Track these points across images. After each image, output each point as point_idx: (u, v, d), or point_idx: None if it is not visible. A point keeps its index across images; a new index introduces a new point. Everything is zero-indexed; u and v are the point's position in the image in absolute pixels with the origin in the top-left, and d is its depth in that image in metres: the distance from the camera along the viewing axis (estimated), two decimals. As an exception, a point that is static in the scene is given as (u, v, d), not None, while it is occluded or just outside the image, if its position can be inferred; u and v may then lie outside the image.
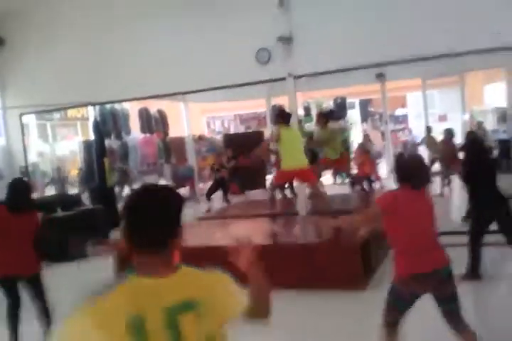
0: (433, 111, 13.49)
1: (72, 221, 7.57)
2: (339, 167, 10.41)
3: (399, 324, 3.52)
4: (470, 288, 5.40)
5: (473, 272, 5.62)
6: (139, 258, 1.61)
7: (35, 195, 4.98)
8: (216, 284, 1.70)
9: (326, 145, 9.26)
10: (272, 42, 7.81)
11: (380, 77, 11.72)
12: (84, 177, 10.67)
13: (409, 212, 3.33)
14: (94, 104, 9.82)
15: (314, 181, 7.48)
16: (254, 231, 6.96)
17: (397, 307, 3.50)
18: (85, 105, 10.12)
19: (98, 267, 7.47)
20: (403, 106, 15.46)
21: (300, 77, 7.87)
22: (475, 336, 3.42)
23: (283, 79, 7.90)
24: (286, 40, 7.79)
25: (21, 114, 9.65)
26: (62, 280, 6.92)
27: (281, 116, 7.23)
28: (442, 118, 13.45)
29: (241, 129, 18.51)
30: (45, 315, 4.68)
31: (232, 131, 18.05)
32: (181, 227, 1.66)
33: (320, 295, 5.42)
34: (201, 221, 8.40)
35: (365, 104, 15.07)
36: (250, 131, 16.92)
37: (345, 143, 11.76)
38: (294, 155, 7.02)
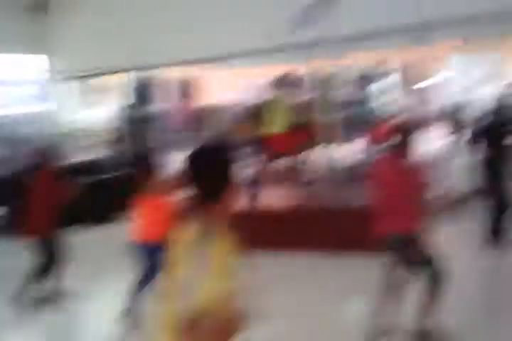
0: (471, 76, 13.24)
1: (113, 184, 7.76)
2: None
3: (396, 285, 3.74)
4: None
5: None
6: None
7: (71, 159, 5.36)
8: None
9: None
10: (312, 3, 7.66)
11: (418, 40, 11.43)
12: (121, 142, 10.81)
13: (382, 179, 3.69)
14: (133, 70, 9.87)
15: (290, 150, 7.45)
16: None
17: (385, 261, 3.77)
18: (125, 71, 10.18)
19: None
20: (440, 70, 15.05)
21: (338, 40, 7.73)
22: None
23: (322, 41, 7.78)
24: (327, 2, 7.63)
25: (67, 78, 9.79)
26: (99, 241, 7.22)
27: (274, 82, 7.32)
28: (480, 83, 13.10)
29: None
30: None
31: (264, 97, 17.91)
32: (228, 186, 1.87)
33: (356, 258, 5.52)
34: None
35: (399, 70, 14.76)
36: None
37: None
38: (271, 121, 7.18)
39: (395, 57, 13.98)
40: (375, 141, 9.83)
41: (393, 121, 4.01)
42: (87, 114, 12.65)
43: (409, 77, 14.61)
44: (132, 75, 10.92)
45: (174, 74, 12.33)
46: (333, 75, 8.97)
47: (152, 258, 4.14)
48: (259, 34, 8.09)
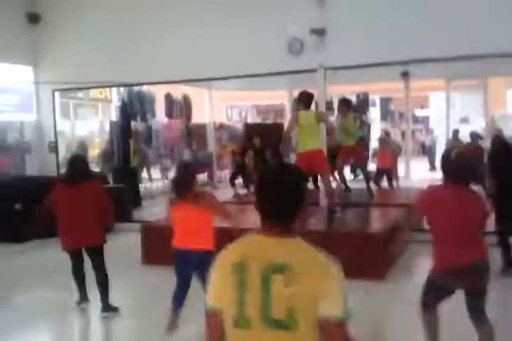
0: (454, 113, 13.51)
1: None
2: (356, 156, 9.43)
3: (435, 307, 3.60)
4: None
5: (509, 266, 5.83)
6: (262, 222, 1.83)
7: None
8: (323, 273, 1.71)
9: (345, 133, 8.75)
10: (305, 33, 7.89)
11: (405, 75, 11.78)
12: (109, 157, 10.82)
13: (446, 208, 3.41)
14: (125, 85, 9.93)
15: (326, 170, 7.22)
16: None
17: (432, 295, 3.60)
18: (116, 85, 10.23)
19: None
20: (424, 106, 15.46)
21: (331, 69, 7.95)
22: (490, 333, 3.50)
23: (313, 70, 8.00)
24: (320, 32, 7.88)
25: (53, 90, 9.80)
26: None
27: (300, 99, 7.07)
28: (463, 120, 13.46)
29: (257, 120, 18.59)
30: (101, 285, 5.03)
31: (248, 120, 18.13)
32: (302, 206, 1.83)
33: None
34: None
35: (385, 102, 15.11)
36: (269, 122, 16.99)
37: (364, 139, 11.74)
38: (306, 139, 6.90)
39: (378, 90, 14.37)
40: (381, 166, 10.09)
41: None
42: (70, 126, 12.72)
43: (392, 110, 15.02)
44: (120, 90, 11.01)
45: (164, 91, 12.48)
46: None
47: (193, 266, 4.13)
48: (249, 60, 8.28)
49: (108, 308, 5.04)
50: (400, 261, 6.33)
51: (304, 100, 7.00)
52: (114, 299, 5.18)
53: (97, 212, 4.89)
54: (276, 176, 1.85)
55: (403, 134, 12.57)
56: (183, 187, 4.13)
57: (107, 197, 4.97)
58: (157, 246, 6.25)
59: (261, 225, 1.83)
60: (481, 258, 3.45)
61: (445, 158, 3.55)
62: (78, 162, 5.04)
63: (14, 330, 4.80)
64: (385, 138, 11.14)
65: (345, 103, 9.12)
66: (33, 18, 9.74)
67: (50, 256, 6.63)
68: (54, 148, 9.55)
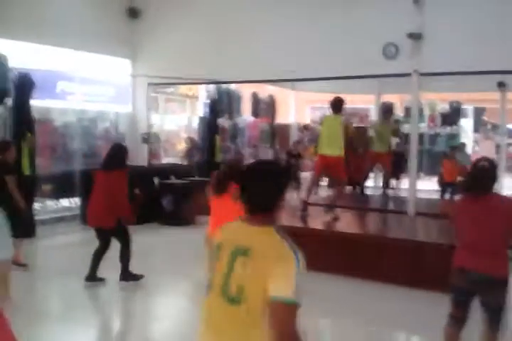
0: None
1: (185, 189, 8.00)
2: (383, 163, 9.72)
3: (460, 321, 3.62)
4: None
5: None
6: (244, 210, 2.02)
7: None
8: (278, 257, 1.86)
9: (379, 138, 9.41)
10: (401, 37, 7.75)
11: (501, 86, 11.23)
12: (195, 151, 11.12)
13: (464, 218, 3.57)
14: (216, 83, 10.18)
15: (344, 179, 7.49)
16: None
17: (451, 297, 3.67)
18: (207, 83, 10.50)
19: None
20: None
21: (426, 75, 7.76)
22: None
23: (407, 75, 7.83)
24: (416, 37, 7.71)
25: (149, 84, 10.22)
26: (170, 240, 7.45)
27: (332, 105, 7.38)
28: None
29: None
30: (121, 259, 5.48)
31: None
32: (281, 199, 2.00)
33: (426, 296, 5.43)
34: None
35: (479, 113, 14.47)
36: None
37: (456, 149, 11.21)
38: (325, 142, 7.17)
39: (471, 99, 13.80)
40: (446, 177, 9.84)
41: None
42: (163, 119, 13.18)
43: (485, 122, 14.38)
44: (209, 88, 11.27)
45: (251, 90, 12.67)
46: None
47: None
48: (341, 62, 8.25)
49: (127, 277, 5.51)
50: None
51: (333, 105, 7.36)
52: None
53: (110, 198, 5.23)
54: (252, 168, 2.07)
55: (497, 147, 11.93)
56: (224, 184, 4.43)
57: (121, 188, 5.27)
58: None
59: (244, 213, 2.02)
60: (495, 271, 3.44)
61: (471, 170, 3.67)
62: (116, 149, 5.48)
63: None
64: (451, 152, 10.59)
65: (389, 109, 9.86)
66: (134, 13, 10.18)
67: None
68: (147, 139, 9.95)
